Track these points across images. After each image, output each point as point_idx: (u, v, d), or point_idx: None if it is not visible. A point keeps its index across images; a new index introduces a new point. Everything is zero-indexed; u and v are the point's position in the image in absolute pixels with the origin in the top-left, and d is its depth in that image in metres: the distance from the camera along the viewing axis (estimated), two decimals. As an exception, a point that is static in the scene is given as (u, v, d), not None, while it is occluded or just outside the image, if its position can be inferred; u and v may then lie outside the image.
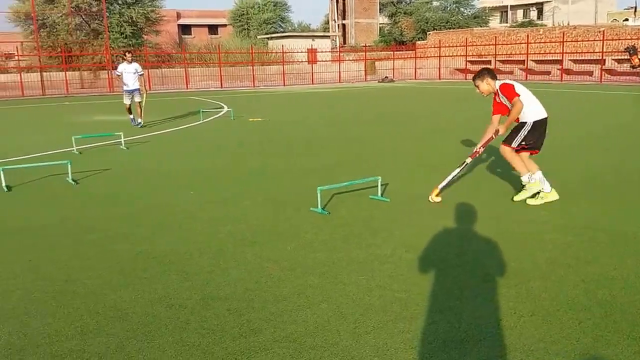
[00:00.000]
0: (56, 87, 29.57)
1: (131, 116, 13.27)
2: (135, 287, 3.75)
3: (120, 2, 36.27)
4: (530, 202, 5.66)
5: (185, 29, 58.57)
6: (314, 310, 3.36)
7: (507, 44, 36.26)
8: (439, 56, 38.36)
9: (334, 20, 59.25)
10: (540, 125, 5.60)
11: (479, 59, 37.76)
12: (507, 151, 5.67)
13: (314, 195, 5.60)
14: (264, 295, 3.58)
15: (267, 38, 45.14)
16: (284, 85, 34.09)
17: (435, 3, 56.11)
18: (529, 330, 3.11)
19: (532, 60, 34.82)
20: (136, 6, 36.36)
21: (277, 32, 49.71)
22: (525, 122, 5.59)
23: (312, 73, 36.09)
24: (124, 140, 10.14)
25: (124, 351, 2.92)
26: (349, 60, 40.44)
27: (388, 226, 5.06)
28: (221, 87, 32.26)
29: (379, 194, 6.00)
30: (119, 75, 13.31)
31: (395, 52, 41.82)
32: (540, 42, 34.37)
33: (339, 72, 37.06)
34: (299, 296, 3.56)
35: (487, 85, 5.79)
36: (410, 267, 4.05)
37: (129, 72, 13.12)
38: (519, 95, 5.51)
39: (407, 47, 44.88)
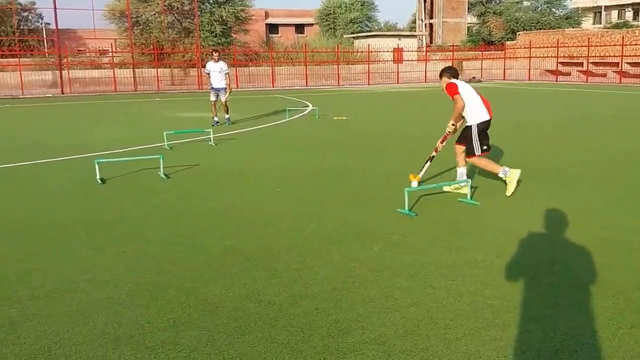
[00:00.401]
0: (147, 84, 30.93)
1: (215, 118, 13.49)
2: (224, 281, 3.80)
3: (211, 1, 37.42)
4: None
5: (272, 28, 59.73)
6: (403, 314, 3.28)
7: (600, 46, 34.38)
8: (529, 57, 36.91)
9: (421, 19, 58.44)
10: (484, 128, 5.96)
11: (571, 61, 36.12)
12: (475, 162, 6.03)
13: (401, 196, 5.50)
14: (351, 296, 3.53)
15: (353, 37, 45.24)
16: (369, 84, 33.99)
17: (525, 3, 54.31)
18: (628, 344, 2.91)
19: (627, 63, 32.83)
20: (226, 5, 37.38)
21: (363, 32, 49.72)
22: (470, 127, 5.94)
23: (398, 72, 35.77)
24: (213, 137, 10.42)
25: (215, 345, 2.96)
26: (435, 59, 39.73)
27: (477, 230, 4.89)
28: (306, 86, 32.62)
29: (468, 196, 5.80)
30: (208, 73, 13.66)
31: (483, 52, 40.66)
32: (636, 44, 32.33)
33: (425, 71, 36.48)
34: (387, 298, 3.49)
35: (444, 83, 6.13)
36: (501, 273, 3.90)
37: (215, 71, 13.39)
38: (459, 94, 5.85)
39: (496, 47, 43.50)
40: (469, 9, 57.68)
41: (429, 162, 6.35)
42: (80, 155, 9.06)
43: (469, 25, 58.26)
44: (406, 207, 5.37)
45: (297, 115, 15.44)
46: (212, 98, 13.55)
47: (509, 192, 5.95)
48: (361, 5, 54.96)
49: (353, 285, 3.71)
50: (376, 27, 55.61)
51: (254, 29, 45.43)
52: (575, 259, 4.19)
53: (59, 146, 10.23)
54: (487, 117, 5.96)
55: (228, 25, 37.70)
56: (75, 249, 4.58)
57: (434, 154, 6.35)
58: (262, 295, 3.57)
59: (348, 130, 12.30)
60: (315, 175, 7.41)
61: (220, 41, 36.13)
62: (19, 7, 43.53)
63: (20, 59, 29.36)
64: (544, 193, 6.18)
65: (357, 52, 38.99)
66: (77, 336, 3.08)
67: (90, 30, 32.33)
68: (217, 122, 13.33)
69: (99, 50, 34.12)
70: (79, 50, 38.43)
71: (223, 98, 13.39)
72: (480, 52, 40.93)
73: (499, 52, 41.37)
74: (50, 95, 27.41)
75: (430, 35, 56.98)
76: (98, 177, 7.17)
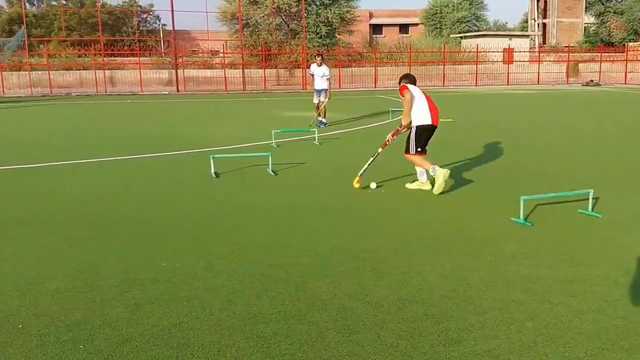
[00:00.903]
0: (255, 83, 31.94)
1: (320, 118, 13.60)
2: (332, 279, 3.83)
3: (317, 3, 37.98)
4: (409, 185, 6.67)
5: (376, 28, 59.63)
6: (518, 328, 3.13)
7: None
8: (655, 59, 34.25)
9: (534, 19, 55.87)
10: (423, 131, 6.42)
11: None
12: (411, 158, 6.53)
13: (516, 203, 5.27)
14: (462, 305, 3.43)
15: (461, 37, 44.18)
16: (476, 85, 33.06)
17: (651, 1, 50.28)
18: None
19: None
20: (332, 7, 37.78)
21: (471, 31, 48.40)
22: (411, 129, 6.43)
23: (508, 73, 34.51)
24: (318, 136, 10.55)
25: (324, 341, 2.98)
26: (548, 61, 37.90)
27: (599, 244, 4.58)
28: (409, 87, 32.23)
29: (589, 208, 5.45)
30: (312, 75, 13.83)
31: (602, 54, 38.19)
32: None
33: (537, 73, 34.94)
34: (501, 311, 3.35)
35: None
36: (627, 292, 3.62)
37: (318, 75, 13.55)
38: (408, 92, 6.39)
39: (616, 49, 40.68)
40: (586, 8, 54.31)
41: (372, 158, 6.84)
42: (195, 150, 9.53)
43: (585, 25, 54.90)
44: (521, 216, 5.14)
45: (401, 116, 15.26)
46: (315, 100, 13.72)
47: (435, 190, 6.25)
48: (469, 4, 53.45)
49: (464, 294, 3.60)
50: (485, 27, 53.90)
51: (358, 29, 45.55)
52: None
53: (177, 140, 10.81)
54: (428, 122, 6.41)
55: (333, 26, 38.08)
56: (193, 237, 4.81)
57: (380, 150, 6.87)
58: (370, 296, 3.56)
59: (455, 132, 12.00)
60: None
61: (325, 42, 36.58)
62: (138, 9, 46.52)
63: (140, 58, 31.40)
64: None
65: (465, 52, 38.03)
66: (194, 321, 3.23)
67: (204, 32, 33.88)
68: (319, 120, 13.55)
69: (211, 50, 35.71)
70: (192, 50, 40.45)
71: (322, 98, 13.53)
72: (598, 54, 38.49)
73: (620, 54, 38.66)
74: (167, 92, 29.07)
75: (544, 35, 54.28)
76: (212, 171, 7.49)
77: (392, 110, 15.42)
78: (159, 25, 51.14)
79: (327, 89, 13.49)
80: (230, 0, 37.26)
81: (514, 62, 35.98)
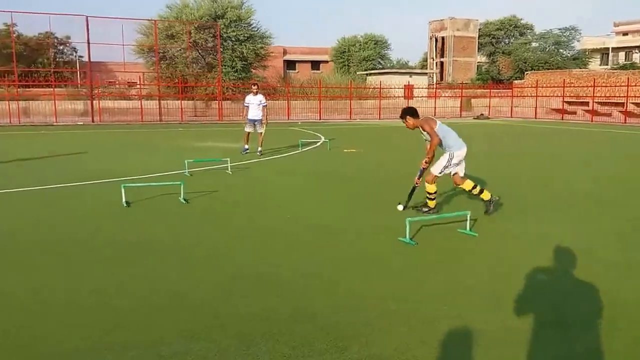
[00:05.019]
0: (172, 115, 31.75)
1: (246, 146, 13.99)
2: (233, 303, 4.14)
3: (233, 39, 38.57)
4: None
5: (290, 64, 61.08)
6: (397, 335, 3.62)
7: (606, 87, 35.09)
8: (536, 96, 37.46)
9: (432, 58, 59.46)
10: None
11: (577, 100, 36.97)
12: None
13: (404, 225, 5.81)
14: (350, 314, 3.90)
15: (366, 74, 46.26)
16: (380, 118, 34.60)
17: (534, 44, 55.73)
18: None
19: (632, 103, 33.57)
20: (247, 43, 38.54)
21: (376, 69, 50.76)
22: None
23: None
24: (230, 166, 10.84)
25: (225, 356, 3.31)
26: (445, 96, 40.43)
27: (474, 259, 5.23)
28: (319, 119, 33.27)
29: (467, 228, 6.13)
30: (247, 106, 14.08)
31: (491, 90, 41.33)
32: (642, 86, 32.89)
33: (435, 107, 37.09)
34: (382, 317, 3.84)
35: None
36: (491, 299, 4.19)
37: (254, 103, 13.90)
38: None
39: (504, 85, 44.24)
40: (479, 48, 58.88)
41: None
42: (107, 180, 9.48)
43: (478, 64, 59.37)
44: (407, 236, 5.71)
45: (310, 147, 15.89)
46: (248, 129, 14.05)
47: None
48: (374, 43, 56.36)
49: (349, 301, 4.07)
50: (388, 65, 56.83)
51: (273, 65, 46.49)
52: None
53: (90, 171, 10.74)
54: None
55: (248, 61, 38.77)
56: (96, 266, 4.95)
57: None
58: (267, 313, 3.95)
59: (357, 161, 12.70)
60: (326, 201, 7.86)
61: (240, 76, 37.16)
62: (55, 40, 45.15)
63: (55, 89, 30.51)
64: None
65: (369, 88, 39.82)
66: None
67: (120, 64, 33.33)
68: (247, 150, 13.91)
69: (128, 82, 35.21)
70: (109, 82, 39.65)
71: (260, 130, 13.92)
72: (488, 90, 41.56)
73: (507, 90, 42.00)
74: (82, 123, 28.27)
75: (441, 73, 57.97)
76: (123, 200, 7.60)
77: (301, 142, 16.00)
78: (75, 56, 49.76)
79: (262, 119, 13.88)
80: (147, 33, 37.01)
81: (414, 98, 38.05)
